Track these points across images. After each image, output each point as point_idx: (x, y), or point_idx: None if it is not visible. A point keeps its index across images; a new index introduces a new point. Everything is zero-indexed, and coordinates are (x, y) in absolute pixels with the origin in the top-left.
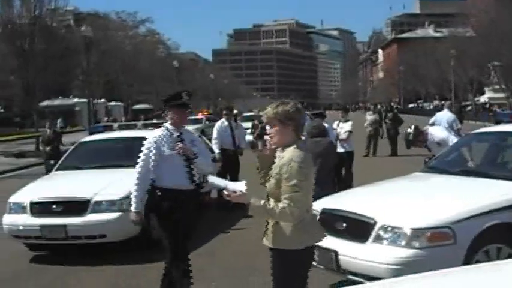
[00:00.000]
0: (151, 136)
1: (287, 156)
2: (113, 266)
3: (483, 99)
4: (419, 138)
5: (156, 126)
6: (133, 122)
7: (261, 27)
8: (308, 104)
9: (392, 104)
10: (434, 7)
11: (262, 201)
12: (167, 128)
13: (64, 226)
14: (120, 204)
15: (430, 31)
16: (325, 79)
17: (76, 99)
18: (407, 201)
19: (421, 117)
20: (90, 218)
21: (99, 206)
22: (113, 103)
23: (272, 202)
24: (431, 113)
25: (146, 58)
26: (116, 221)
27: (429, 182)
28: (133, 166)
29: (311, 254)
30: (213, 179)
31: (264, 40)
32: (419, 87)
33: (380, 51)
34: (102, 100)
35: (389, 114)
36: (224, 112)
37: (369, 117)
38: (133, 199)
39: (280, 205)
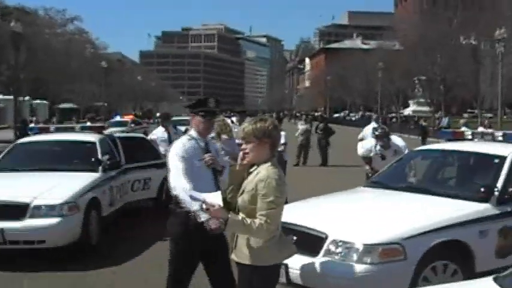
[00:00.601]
0: (178, 145)
1: (263, 173)
2: (54, 272)
3: (407, 111)
4: (384, 140)
5: (92, 129)
6: (71, 125)
7: (189, 31)
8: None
9: (321, 113)
10: (362, 19)
11: (240, 217)
12: (193, 137)
13: (1, 230)
14: (60, 209)
15: (358, 42)
16: (252, 85)
17: (0, 96)
18: (357, 216)
19: (346, 127)
20: (29, 222)
21: (39, 211)
22: (37, 101)
23: (247, 218)
24: (358, 123)
25: (75, 57)
26: (56, 226)
27: (377, 198)
28: (73, 170)
29: (278, 270)
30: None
31: (192, 44)
32: (346, 97)
33: (307, 60)
34: (27, 98)
35: (321, 125)
36: (160, 120)
37: (301, 126)
38: (199, 213)
39: (257, 221)
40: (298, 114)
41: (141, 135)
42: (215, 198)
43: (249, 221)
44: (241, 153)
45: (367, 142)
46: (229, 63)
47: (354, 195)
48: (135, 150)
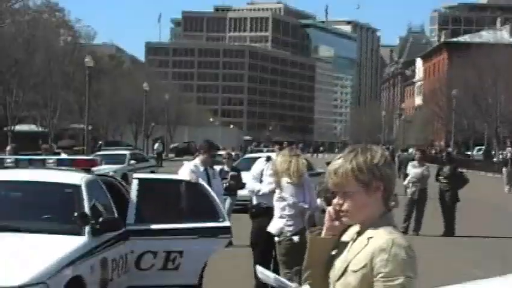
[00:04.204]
0: None
1: (382, 239)
2: None
3: None
4: None
5: (77, 163)
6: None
7: (226, 12)
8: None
9: (447, 150)
10: None
11: None
12: None
13: None
14: None
15: (504, 34)
16: (326, 102)
17: None
18: None
19: (483, 173)
20: None
21: None
22: None
23: None
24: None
25: (41, 48)
26: None
27: None
28: (43, 231)
29: None
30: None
31: (231, 33)
32: (483, 124)
33: (419, 63)
34: None
35: (446, 168)
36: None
37: (413, 170)
38: None
39: None
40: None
41: (183, 177)
42: None
43: None
44: (331, 210)
45: None
46: (291, 66)
47: None
48: (163, 202)
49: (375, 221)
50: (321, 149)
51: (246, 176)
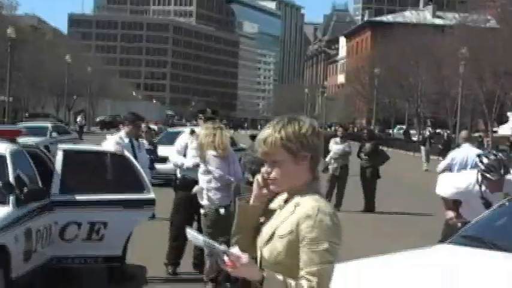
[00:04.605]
0: None
1: (308, 205)
2: None
3: (505, 129)
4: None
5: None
6: None
7: None
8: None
9: (368, 127)
10: None
11: (280, 277)
12: None
13: None
14: None
15: (426, 15)
16: (250, 79)
17: None
18: None
19: (403, 152)
20: None
21: None
22: None
23: (290, 279)
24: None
25: None
26: None
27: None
28: None
29: None
30: (210, 240)
31: (154, 7)
32: (403, 103)
33: (343, 41)
34: None
35: (367, 145)
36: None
37: (335, 146)
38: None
39: (304, 284)
40: (327, 128)
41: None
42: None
43: (293, 283)
44: (260, 178)
45: (462, 178)
46: (215, 42)
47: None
48: (88, 174)
49: (302, 189)
50: (245, 125)
51: (169, 150)
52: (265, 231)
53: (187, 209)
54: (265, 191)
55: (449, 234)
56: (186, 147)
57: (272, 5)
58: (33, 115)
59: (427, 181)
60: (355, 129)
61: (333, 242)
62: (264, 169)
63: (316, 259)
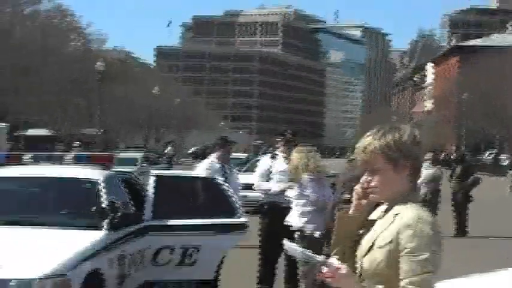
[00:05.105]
0: None
1: (409, 215)
2: None
3: None
4: None
5: (95, 160)
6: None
7: (237, 17)
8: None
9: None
10: None
11: (381, 287)
12: None
13: None
14: (39, 287)
15: None
16: (337, 106)
17: None
18: None
19: (492, 177)
20: None
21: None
22: None
23: None
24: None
25: (51, 52)
26: None
27: None
28: (62, 225)
29: None
30: (308, 251)
31: (241, 38)
32: (493, 128)
33: (430, 67)
34: None
35: (458, 169)
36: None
37: (426, 170)
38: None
39: None
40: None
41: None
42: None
43: None
44: (359, 188)
45: None
46: (301, 71)
47: None
48: (180, 199)
49: (402, 198)
50: (338, 153)
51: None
52: (365, 242)
53: (277, 235)
54: (364, 201)
55: None
56: (269, 171)
57: (357, 33)
58: (129, 147)
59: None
60: (444, 155)
61: (434, 252)
62: (363, 178)
63: (417, 269)
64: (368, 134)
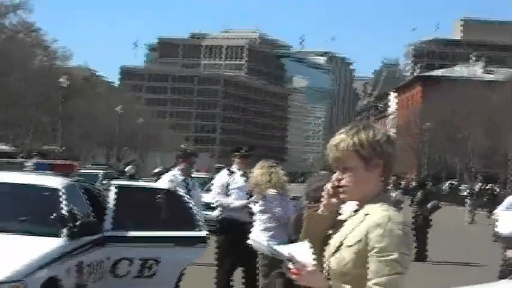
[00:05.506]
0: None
1: (378, 214)
2: None
3: None
4: None
5: (55, 168)
6: (20, 160)
7: (202, 39)
8: None
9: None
10: (484, 32)
11: (347, 287)
12: None
13: None
14: None
15: (477, 70)
16: (298, 133)
17: None
18: None
19: (452, 207)
20: None
21: None
22: None
23: None
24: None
25: (16, 68)
26: None
27: None
28: (20, 232)
29: None
30: (275, 246)
31: (205, 61)
32: (454, 158)
33: (392, 96)
34: None
35: (419, 194)
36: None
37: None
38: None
39: None
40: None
41: (161, 186)
42: (305, 254)
43: None
44: (329, 186)
45: None
46: (265, 96)
47: None
48: (141, 210)
49: (373, 198)
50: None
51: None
52: (334, 241)
53: (235, 251)
54: (334, 199)
55: (507, 273)
56: (227, 186)
57: (322, 60)
58: (96, 164)
59: (471, 233)
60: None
61: (403, 253)
62: (334, 176)
63: (385, 270)
64: (341, 131)
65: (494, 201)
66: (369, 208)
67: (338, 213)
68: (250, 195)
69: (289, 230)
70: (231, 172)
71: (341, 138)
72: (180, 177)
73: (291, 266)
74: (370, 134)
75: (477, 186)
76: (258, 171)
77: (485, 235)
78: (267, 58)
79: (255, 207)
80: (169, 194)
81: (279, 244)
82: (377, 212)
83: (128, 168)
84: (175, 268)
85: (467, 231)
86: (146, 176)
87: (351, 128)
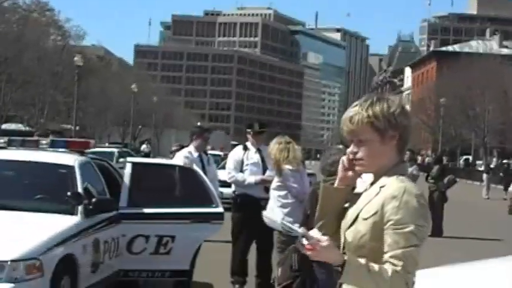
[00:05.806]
0: None
1: (394, 186)
2: None
3: None
4: None
5: (71, 145)
6: (35, 138)
7: (216, 16)
8: None
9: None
10: (500, 8)
11: (363, 260)
12: None
13: None
14: (11, 269)
15: (493, 44)
16: (314, 109)
17: None
18: None
19: (468, 182)
20: None
21: None
22: None
23: (372, 263)
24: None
25: (30, 47)
26: None
27: None
28: (36, 210)
29: None
30: (288, 223)
31: (220, 38)
32: (470, 134)
33: (408, 71)
34: None
35: (434, 169)
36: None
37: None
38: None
39: (389, 268)
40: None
41: (176, 162)
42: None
43: (376, 267)
44: (345, 159)
45: None
46: (279, 72)
47: None
48: (156, 187)
49: (388, 170)
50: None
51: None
52: (350, 214)
53: (250, 228)
54: (350, 173)
55: None
56: (241, 163)
57: (337, 36)
58: (112, 143)
59: (488, 208)
60: (422, 159)
61: (419, 225)
62: (349, 149)
63: (401, 242)
64: (355, 103)
65: (509, 177)
66: (384, 180)
67: (354, 186)
68: (264, 171)
69: (305, 204)
70: (245, 148)
71: (355, 111)
72: (195, 154)
73: (305, 242)
74: (385, 106)
75: (493, 162)
76: (276, 147)
77: (501, 210)
78: (282, 35)
79: (272, 184)
80: (185, 171)
81: (295, 221)
82: (393, 184)
83: (143, 146)
84: (191, 245)
85: (483, 206)
86: (162, 154)
87: (365, 101)
